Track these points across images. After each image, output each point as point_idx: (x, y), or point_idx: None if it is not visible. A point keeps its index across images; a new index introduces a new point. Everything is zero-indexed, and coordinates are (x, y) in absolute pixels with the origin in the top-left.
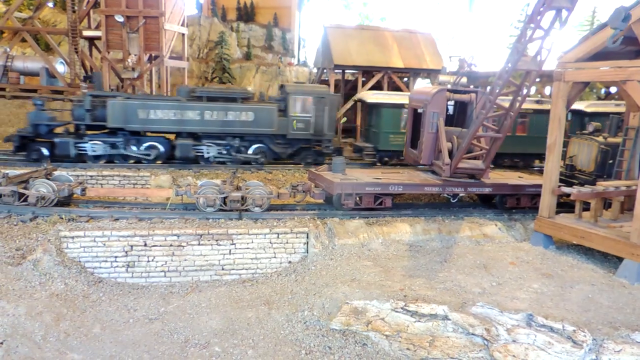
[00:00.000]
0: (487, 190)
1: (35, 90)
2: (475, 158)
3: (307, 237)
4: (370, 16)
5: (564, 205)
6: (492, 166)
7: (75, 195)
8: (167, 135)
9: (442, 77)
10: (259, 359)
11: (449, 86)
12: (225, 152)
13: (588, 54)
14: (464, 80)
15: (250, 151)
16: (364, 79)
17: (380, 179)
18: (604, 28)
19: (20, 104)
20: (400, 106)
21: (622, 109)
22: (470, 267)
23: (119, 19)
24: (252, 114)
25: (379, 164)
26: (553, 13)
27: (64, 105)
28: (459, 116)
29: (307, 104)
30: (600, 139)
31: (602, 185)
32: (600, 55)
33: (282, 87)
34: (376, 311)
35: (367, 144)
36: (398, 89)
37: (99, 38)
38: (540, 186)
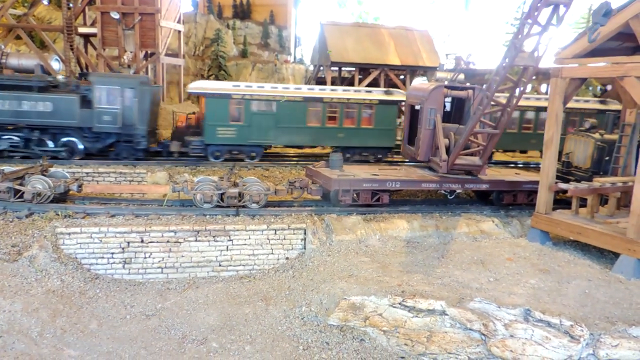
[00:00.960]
0: (484, 187)
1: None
2: (472, 154)
3: (305, 234)
4: (364, 15)
5: (560, 201)
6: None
7: (71, 192)
8: None
9: (439, 74)
10: (257, 355)
11: (446, 83)
12: (21, 144)
13: (585, 50)
14: (462, 77)
15: (54, 145)
16: (360, 76)
17: (377, 175)
18: None
19: None
20: (227, 96)
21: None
22: (468, 263)
23: (115, 15)
24: (50, 105)
25: (213, 160)
26: (550, 9)
27: None
28: (455, 113)
29: (113, 94)
30: (597, 135)
31: (599, 181)
32: (598, 51)
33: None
34: (374, 307)
35: (195, 138)
36: (395, 86)
37: (94, 35)
38: (536, 183)
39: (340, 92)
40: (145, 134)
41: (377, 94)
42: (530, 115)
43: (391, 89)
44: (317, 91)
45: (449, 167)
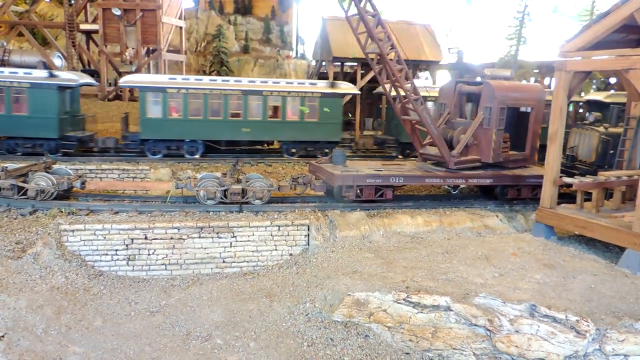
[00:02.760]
0: (488, 182)
1: None
2: (431, 144)
3: (308, 230)
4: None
5: (564, 196)
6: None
7: (74, 189)
8: None
9: (502, 72)
10: (261, 351)
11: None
12: None
13: (590, 43)
14: (508, 73)
15: None
16: (362, 71)
17: (381, 170)
18: (606, 16)
19: None
20: None
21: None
22: (472, 258)
23: (116, 12)
24: None
25: None
26: None
27: None
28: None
29: None
30: (601, 129)
31: (604, 175)
32: (602, 44)
33: None
34: (378, 303)
35: None
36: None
37: (96, 32)
38: (541, 177)
39: None
40: None
41: (34, 75)
42: (238, 101)
43: (57, 71)
44: None
45: (421, 158)
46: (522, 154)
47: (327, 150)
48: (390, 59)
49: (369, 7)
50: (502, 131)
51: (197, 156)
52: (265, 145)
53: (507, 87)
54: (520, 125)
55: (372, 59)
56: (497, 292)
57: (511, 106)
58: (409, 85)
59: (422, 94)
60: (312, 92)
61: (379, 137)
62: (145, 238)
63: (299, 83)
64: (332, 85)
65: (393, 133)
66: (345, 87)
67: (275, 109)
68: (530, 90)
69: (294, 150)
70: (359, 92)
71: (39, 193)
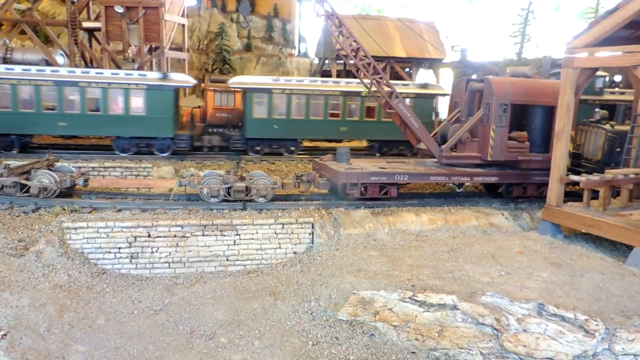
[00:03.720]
0: (493, 179)
1: None
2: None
3: (313, 228)
4: (367, 8)
5: (569, 194)
6: None
7: (77, 187)
8: None
9: (521, 69)
10: (266, 350)
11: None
12: None
13: (597, 39)
14: (526, 69)
15: None
16: None
17: (385, 168)
18: (614, 12)
19: None
20: None
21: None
22: (478, 257)
23: (119, 9)
24: None
25: None
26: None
27: None
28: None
29: None
30: (608, 126)
31: (611, 173)
32: (609, 40)
33: None
34: (384, 301)
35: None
36: (400, 78)
37: (98, 29)
38: (546, 175)
39: None
40: None
41: None
42: (52, 92)
43: None
44: None
45: (420, 154)
46: (541, 155)
47: (162, 148)
48: (357, 55)
49: (327, 7)
50: (503, 128)
51: (14, 151)
52: (86, 138)
53: (511, 84)
54: (550, 126)
55: (346, 56)
56: (504, 291)
57: (519, 103)
58: (382, 79)
59: (414, 91)
60: (137, 84)
61: (229, 133)
62: (149, 236)
63: (126, 74)
64: (163, 77)
65: (242, 128)
66: (179, 79)
67: (96, 101)
68: (553, 88)
69: (124, 146)
70: (192, 85)
71: (42, 191)
